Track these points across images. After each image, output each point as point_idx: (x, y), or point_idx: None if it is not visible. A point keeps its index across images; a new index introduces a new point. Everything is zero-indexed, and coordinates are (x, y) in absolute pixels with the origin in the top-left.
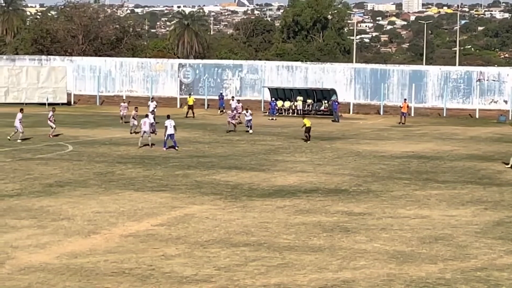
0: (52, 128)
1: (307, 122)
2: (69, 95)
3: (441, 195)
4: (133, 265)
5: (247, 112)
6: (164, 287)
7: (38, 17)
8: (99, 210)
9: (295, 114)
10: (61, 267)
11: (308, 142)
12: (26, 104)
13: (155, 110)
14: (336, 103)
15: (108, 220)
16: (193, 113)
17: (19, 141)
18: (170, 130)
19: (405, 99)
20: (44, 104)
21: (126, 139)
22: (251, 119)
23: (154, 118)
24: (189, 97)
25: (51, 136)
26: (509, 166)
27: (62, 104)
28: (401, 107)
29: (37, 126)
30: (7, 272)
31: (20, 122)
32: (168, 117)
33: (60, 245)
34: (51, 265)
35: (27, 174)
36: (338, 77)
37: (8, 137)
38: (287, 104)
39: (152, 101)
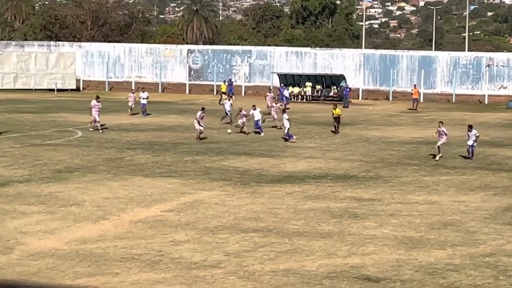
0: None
1: (337, 110)
2: (78, 81)
3: (450, 181)
4: (142, 251)
5: (240, 112)
6: (173, 273)
7: (46, 2)
8: (108, 196)
9: (304, 100)
10: (71, 253)
11: (337, 133)
12: (35, 90)
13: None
14: (348, 89)
15: (117, 206)
16: (221, 100)
17: (93, 130)
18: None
19: (415, 85)
20: (53, 90)
21: (135, 125)
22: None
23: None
24: (223, 84)
25: (91, 126)
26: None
27: (71, 90)
28: (412, 93)
29: (46, 112)
30: (17, 257)
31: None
32: (203, 109)
33: (70, 231)
34: (60, 250)
35: (36, 160)
36: (347, 63)
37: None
38: (296, 90)
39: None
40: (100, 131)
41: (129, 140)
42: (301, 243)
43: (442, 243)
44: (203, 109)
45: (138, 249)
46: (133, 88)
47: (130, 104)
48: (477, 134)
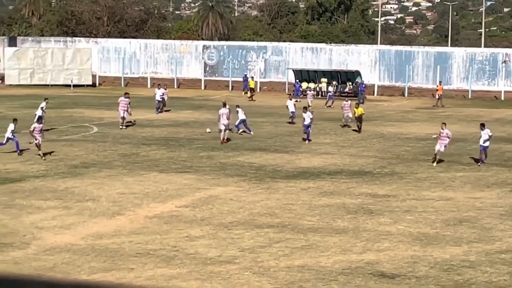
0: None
1: (359, 110)
2: (94, 76)
3: (466, 177)
4: (157, 246)
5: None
6: (188, 268)
7: None
8: (123, 191)
9: (320, 96)
10: (86, 248)
11: (360, 132)
12: (51, 85)
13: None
14: (363, 85)
15: (133, 201)
16: (252, 96)
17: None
18: (242, 116)
19: (440, 82)
20: (69, 85)
21: (150, 121)
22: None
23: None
24: (251, 80)
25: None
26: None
27: (87, 85)
28: (437, 90)
29: (62, 108)
30: (33, 252)
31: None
32: (224, 104)
33: (85, 226)
34: (76, 245)
35: (52, 156)
36: (363, 59)
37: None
38: (312, 86)
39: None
40: (122, 127)
41: (145, 136)
42: (316, 239)
43: (458, 239)
44: (224, 104)
45: (153, 245)
46: (159, 84)
47: (158, 99)
48: (490, 134)
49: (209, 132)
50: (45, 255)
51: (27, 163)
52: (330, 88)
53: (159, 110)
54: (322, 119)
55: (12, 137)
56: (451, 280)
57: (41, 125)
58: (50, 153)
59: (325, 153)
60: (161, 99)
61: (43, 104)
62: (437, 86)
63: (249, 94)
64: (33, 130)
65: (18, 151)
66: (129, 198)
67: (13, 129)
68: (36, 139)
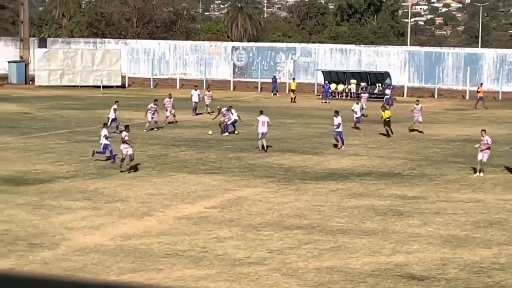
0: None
1: (386, 113)
2: (123, 77)
3: (496, 179)
4: (186, 247)
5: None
6: (217, 269)
7: (93, 0)
8: (152, 192)
9: (349, 97)
10: (115, 249)
11: (390, 136)
12: (81, 86)
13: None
14: (391, 87)
15: (162, 202)
16: (294, 98)
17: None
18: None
19: (481, 84)
20: (99, 86)
21: (179, 122)
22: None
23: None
24: (292, 82)
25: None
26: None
27: (117, 86)
28: (478, 92)
29: (91, 109)
30: (62, 253)
31: (169, 106)
32: (261, 112)
33: (114, 226)
34: (105, 246)
35: (82, 156)
36: (392, 60)
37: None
38: (341, 87)
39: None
40: (155, 129)
41: (174, 137)
42: (345, 240)
43: (488, 241)
44: (261, 112)
45: (182, 245)
46: (196, 85)
47: (206, 102)
48: None
49: (211, 134)
50: (75, 255)
51: (57, 164)
52: (388, 91)
53: (195, 111)
54: (351, 120)
55: (107, 142)
56: (481, 282)
57: (128, 133)
58: (136, 166)
59: (354, 154)
60: (198, 101)
61: (115, 106)
62: (478, 88)
63: (292, 95)
64: (125, 137)
65: (113, 159)
66: (158, 199)
67: (106, 134)
68: (127, 148)
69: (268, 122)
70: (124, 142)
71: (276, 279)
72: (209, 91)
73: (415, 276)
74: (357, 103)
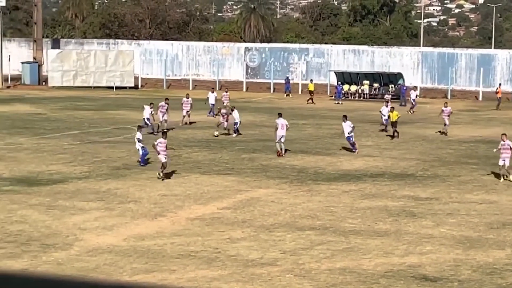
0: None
1: (395, 114)
2: (136, 78)
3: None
4: (199, 248)
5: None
6: (230, 270)
7: (106, 1)
8: (165, 193)
9: (362, 98)
10: (128, 249)
11: (395, 138)
12: (94, 87)
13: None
14: (404, 88)
15: (175, 203)
16: (312, 99)
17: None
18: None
19: (500, 84)
20: (112, 87)
21: (192, 123)
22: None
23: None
24: (310, 83)
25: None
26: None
27: (130, 87)
28: (497, 92)
29: (104, 110)
30: (76, 253)
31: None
32: (280, 115)
33: (127, 227)
34: (118, 247)
35: (95, 157)
36: (405, 61)
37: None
38: (353, 88)
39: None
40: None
41: (186, 138)
42: (357, 241)
43: (501, 243)
44: (280, 115)
45: (195, 246)
46: (213, 88)
47: (224, 103)
48: None
49: (217, 136)
50: (88, 256)
51: (70, 164)
52: (413, 94)
53: (212, 112)
54: (364, 121)
55: (141, 146)
56: (494, 283)
57: (166, 140)
58: (171, 173)
59: (367, 155)
60: (214, 103)
61: (148, 108)
62: (497, 89)
63: (309, 96)
64: (157, 144)
65: (142, 162)
66: (171, 199)
67: (139, 137)
68: (163, 156)
69: (286, 125)
70: (154, 147)
71: (289, 280)
72: (226, 92)
73: (428, 277)
74: (386, 106)
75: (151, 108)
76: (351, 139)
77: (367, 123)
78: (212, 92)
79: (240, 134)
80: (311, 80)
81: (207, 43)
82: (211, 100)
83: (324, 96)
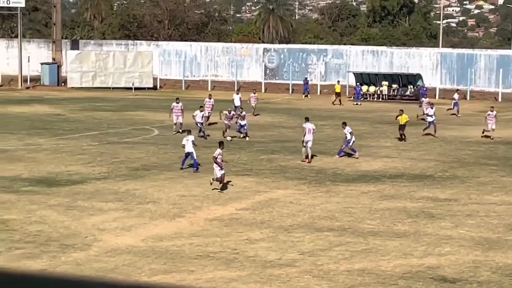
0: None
1: (402, 118)
2: (155, 79)
3: None
4: (217, 249)
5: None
6: (248, 271)
7: (125, 2)
8: (184, 194)
9: (380, 99)
10: (147, 250)
11: (402, 141)
12: (112, 88)
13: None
14: (424, 89)
15: (193, 204)
16: (340, 100)
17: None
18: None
19: None
20: (131, 88)
21: (211, 123)
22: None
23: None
24: (337, 84)
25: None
26: None
27: (148, 88)
28: None
29: (123, 110)
30: (94, 254)
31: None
32: (307, 119)
33: (146, 228)
34: (137, 247)
35: (114, 158)
36: (424, 62)
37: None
38: (372, 89)
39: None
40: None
41: (205, 139)
42: (376, 242)
43: None
44: (307, 119)
45: (213, 247)
46: (238, 89)
47: (252, 104)
48: None
49: (230, 140)
50: (106, 256)
51: (89, 165)
52: (456, 96)
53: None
54: (383, 122)
55: (192, 150)
56: None
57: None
58: (226, 184)
59: (386, 156)
60: (239, 105)
61: (198, 112)
62: None
63: (334, 98)
64: (217, 156)
65: (195, 168)
66: (190, 200)
67: (193, 139)
68: (217, 168)
69: (313, 129)
70: (215, 161)
71: (307, 281)
72: (254, 93)
73: (447, 279)
74: (432, 107)
75: (201, 111)
76: (349, 144)
77: (386, 124)
78: (237, 94)
79: (248, 137)
80: (338, 81)
81: (225, 44)
82: (236, 102)
83: (342, 97)
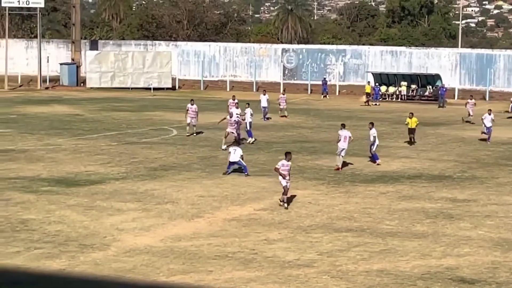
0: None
1: (412, 122)
2: (173, 79)
3: None
4: (236, 249)
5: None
6: (267, 271)
7: (144, 2)
8: (202, 194)
9: (399, 100)
10: (165, 250)
11: (412, 144)
12: (131, 88)
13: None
14: (444, 89)
15: (212, 204)
16: (368, 101)
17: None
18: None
19: None
20: (149, 88)
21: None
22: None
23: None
24: (367, 85)
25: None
26: None
27: (167, 88)
28: None
29: (142, 111)
30: (113, 254)
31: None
32: (343, 126)
33: (164, 228)
34: (155, 247)
35: (132, 158)
36: (443, 62)
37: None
38: (391, 89)
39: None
40: (190, 134)
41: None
42: (395, 243)
43: None
44: (343, 126)
45: (231, 247)
46: (265, 89)
47: (281, 106)
48: None
49: (252, 143)
50: (125, 256)
51: (108, 165)
52: (471, 101)
53: (266, 117)
54: (401, 123)
55: (237, 160)
56: None
57: (290, 162)
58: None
59: (404, 157)
60: (267, 105)
61: (238, 111)
62: None
63: (364, 99)
64: (280, 167)
65: (246, 172)
66: (208, 200)
67: (241, 154)
68: (285, 180)
69: (350, 137)
70: (277, 171)
71: (326, 281)
72: (283, 94)
73: (466, 280)
74: (489, 113)
75: (250, 110)
76: (372, 147)
77: (405, 125)
78: (264, 94)
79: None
80: (368, 82)
81: (244, 44)
82: (263, 103)
83: (361, 97)
